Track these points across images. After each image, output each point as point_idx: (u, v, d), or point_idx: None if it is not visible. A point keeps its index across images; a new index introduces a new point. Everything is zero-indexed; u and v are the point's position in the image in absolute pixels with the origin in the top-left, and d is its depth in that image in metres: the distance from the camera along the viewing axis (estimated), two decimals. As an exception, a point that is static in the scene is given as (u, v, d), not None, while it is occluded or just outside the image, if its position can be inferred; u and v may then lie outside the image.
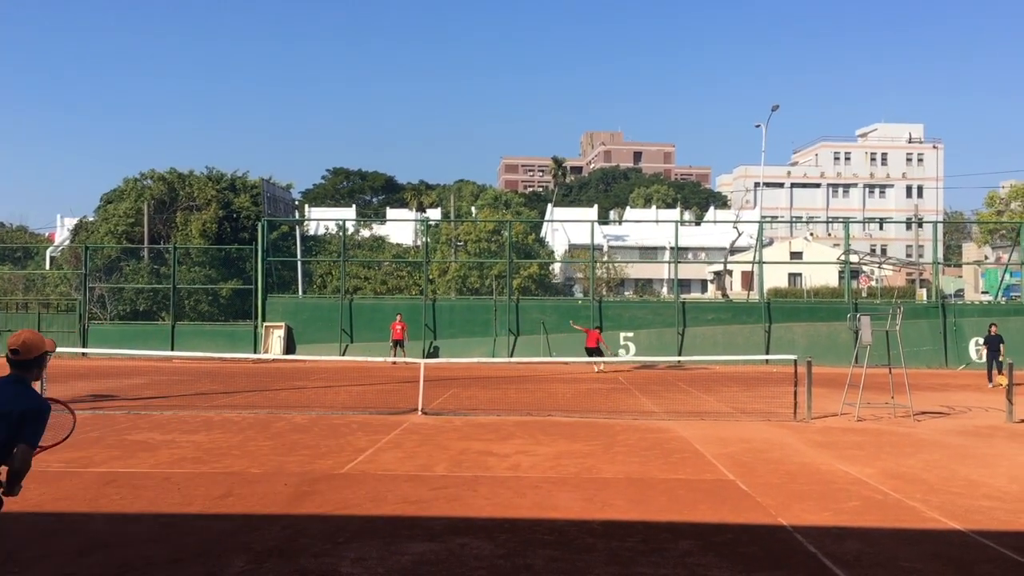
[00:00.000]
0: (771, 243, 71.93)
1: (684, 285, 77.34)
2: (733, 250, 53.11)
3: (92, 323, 36.30)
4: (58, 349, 24.66)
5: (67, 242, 65.72)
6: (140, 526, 7.71)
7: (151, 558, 6.68)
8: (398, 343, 31.44)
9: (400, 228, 67.20)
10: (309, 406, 17.54)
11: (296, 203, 71.06)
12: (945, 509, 8.67)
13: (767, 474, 10.52)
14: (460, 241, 60.81)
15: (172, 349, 33.33)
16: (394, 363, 29.01)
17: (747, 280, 65.22)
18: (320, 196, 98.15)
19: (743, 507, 8.71)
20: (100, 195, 62.12)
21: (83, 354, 32.25)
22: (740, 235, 48.87)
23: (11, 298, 41.77)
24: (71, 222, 71.14)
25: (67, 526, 7.74)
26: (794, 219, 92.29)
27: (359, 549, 6.99)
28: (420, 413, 16.18)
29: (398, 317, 32.07)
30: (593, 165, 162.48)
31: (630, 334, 33.81)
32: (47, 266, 59.99)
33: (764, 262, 36.83)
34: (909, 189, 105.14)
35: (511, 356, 32.53)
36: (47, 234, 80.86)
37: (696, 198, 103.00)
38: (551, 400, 19.27)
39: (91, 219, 61.21)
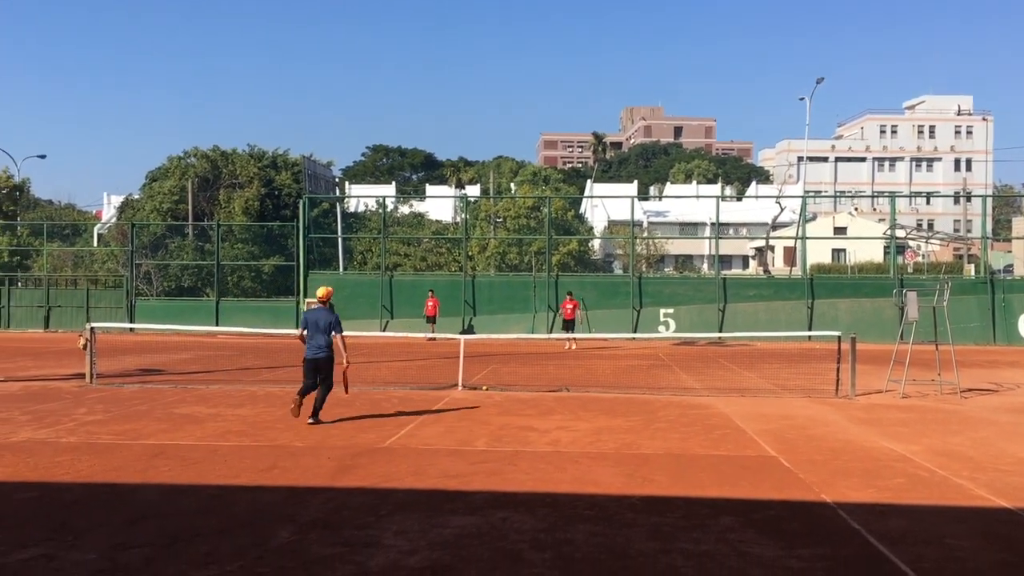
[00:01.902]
0: (815, 218, 71.07)
1: (725, 261, 76.75)
2: (775, 226, 52.52)
3: (139, 299, 36.90)
4: (106, 325, 25.06)
5: (114, 219, 66.83)
6: (188, 497, 7.86)
7: (199, 528, 6.80)
8: (431, 319, 31.58)
9: (440, 205, 67.38)
10: (352, 381, 17.66)
11: (336, 180, 71.54)
12: (993, 487, 8.55)
13: (810, 451, 10.43)
14: (499, 218, 60.80)
15: (216, 325, 33.79)
16: (431, 339, 29.11)
17: (789, 256, 64.50)
18: (360, 173, 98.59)
19: (785, 484, 8.66)
20: (145, 173, 62.92)
21: (131, 330, 32.82)
22: (783, 210, 48.28)
23: (61, 275, 42.58)
24: (117, 200, 72.33)
25: (118, 496, 7.91)
26: (838, 194, 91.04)
27: (401, 522, 7.06)
28: (460, 388, 16.27)
29: (430, 294, 32.20)
30: (633, 140, 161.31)
31: (670, 310, 33.65)
32: (95, 243, 61.01)
33: (807, 237, 36.37)
34: (957, 162, 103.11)
35: (550, 333, 32.53)
36: (94, 212, 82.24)
37: (738, 173, 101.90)
38: (590, 376, 19.27)
39: (137, 197, 62.19)
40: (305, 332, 12.25)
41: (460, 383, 16.50)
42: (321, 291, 12.58)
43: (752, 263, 72.29)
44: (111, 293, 37.65)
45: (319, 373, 12.13)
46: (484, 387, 16.54)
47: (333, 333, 12.08)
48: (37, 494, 7.95)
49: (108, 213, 75.53)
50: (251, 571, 5.79)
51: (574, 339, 28.03)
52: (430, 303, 31.84)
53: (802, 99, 51.92)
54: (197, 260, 43.09)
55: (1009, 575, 5.94)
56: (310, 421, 12.03)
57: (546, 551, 6.33)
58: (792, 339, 30.15)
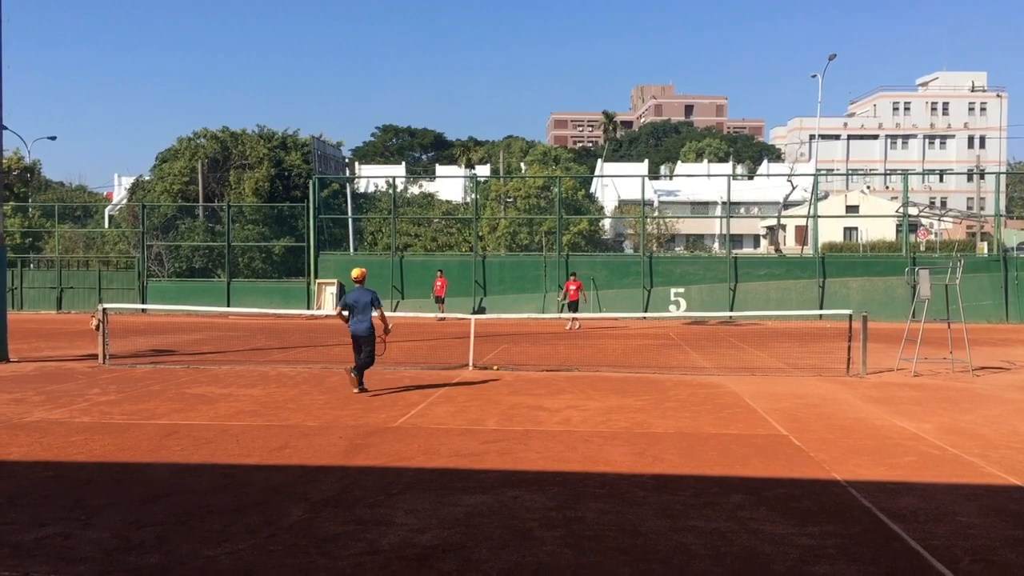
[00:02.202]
0: (826, 197, 70.59)
1: (736, 240, 76.40)
2: (787, 204, 52.25)
3: (150, 280, 37.03)
4: (118, 306, 25.16)
5: (124, 201, 66.97)
6: (201, 476, 7.91)
7: (212, 506, 6.85)
8: (439, 299, 31.56)
9: (449, 185, 67.26)
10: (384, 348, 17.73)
11: (346, 161, 71.48)
12: (1005, 465, 8.53)
13: (820, 429, 10.42)
14: (510, 198, 60.66)
15: (228, 305, 33.91)
16: (442, 319, 29.10)
17: (801, 235, 64.20)
18: (370, 153, 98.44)
19: (796, 462, 8.65)
20: (155, 154, 62.96)
21: (142, 310, 32.97)
22: (794, 189, 48.02)
23: (72, 256, 42.75)
24: (128, 181, 72.40)
25: (131, 475, 7.97)
26: (850, 172, 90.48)
27: (412, 500, 7.09)
28: (471, 368, 16.30)
29: (439, 274, 32.19)
30: (644, 119, 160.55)
31: (681, 290, 33.58)
32: (106, 225, 61.17)
33: (819, 216, 36.19)
34: (971, 139, 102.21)
35: (561, 312, 32.51)
36: (105, 193, 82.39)
37: (749, 152, 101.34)
38: (601, 355, 19.27)
39: (147, 178, 62.26)
40: (345, 311, 13.30)
41: (471, 363, 16.53)
42: (356, 272, 13.71)
43: (763, 242, 72.00)
44: (123, 274, 37.79)
45: (361, 347, 13.28)
46: (495, 367, 16.56)
47: (374, 309, 13.14)
48: (52, 473, 8.01)
49: (119, 195, 75.68)
50: (264, 549, 5.83)
51: (577, 319, 27.81)
52: (438, 283, 31.84)
53: (814, 76, 51.53)
54: (208, 241, 43.14)
55: (1020, 552, 5.93)
56: (355, 390, 13.17)
57: (557, 529, 6.35)
58: (803, 318, 30.06)
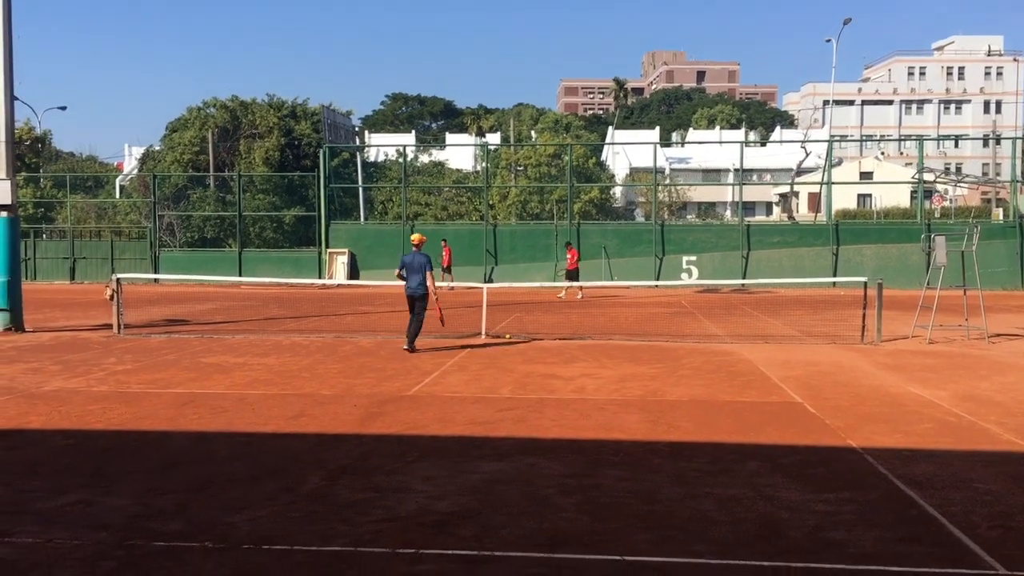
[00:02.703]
0: (840, 163, 70.10)
1: (748, 208, 75.83)
2: (800, 171, 51.87)
3: (163, 250, 37.14)
4: (131, 276, 25.23)
5: (135, 171, 66.98)
6: (219, 444, 7.96)
7: (231, 474, 6.90)
8: (446, 269, 31.46)
9: (460, 153, 66.99)
10: (375, 330, 17.83)
11: (356, 130, 71.25)
12: (1022, 432, 8.50)
13: (835, 397, 10.41)
14: (520, 166, 60.41)
15: (239, 275, 34.01)
16: (451, 288, 29.10)
17: (814, 202, 63.79)
18: (380, 122, 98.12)
19: (811, 429, 8.65)
20: (165, 124, 62.92)
21: (155, 280, 33.09)
22: (808, 155, 47.64)
23: (84, 226, 42.87)
24: (138, 151, 72.34)
25: (150, 444, 8.03)
26: (864, 138, 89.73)
27: (429, 468, 7.13)
28: (484, 336, 16.32)
29: (443, 243, 32.00)
30: (655, 86, 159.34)
31: (693, 258, 33.52)
32: (117, 195, 61.22)
33: (833, 183, 35.96)
34: (987, 104, 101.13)
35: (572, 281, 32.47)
36: (116, 163, 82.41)
37: (761, 118, 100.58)
38: (614, 324, 19.27)
39: (157, 148, 62.19)
40: (403, 272, 14.53)
41: (483, 332, 16.56)
42: (415, 237, 15.29)
43: (776, 209, 71.63)
44: (135, 244, 37.93)
45: (415, 307, 14.34)
46: (507, 335, 16.58)
47: (426, 272, 14.33)
48: (72, 442, 8.08)
49: (129, 165, 75.69)
50: (284, 516, 5.87)
51: (580, 287, 27.72)
52: (445, 252, 31.74)
53: (828, 41, 51.00)
54: (219, 211, 43.16)
55: (1038, 519, 5.92)
56: (405, 348, 14.29)
57: (574, 496, 6.38)
58: (817, 286, 29.95)
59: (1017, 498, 6.35)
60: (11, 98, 16.98)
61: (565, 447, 7.87)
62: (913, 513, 6.03)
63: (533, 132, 75.34)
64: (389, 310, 22.77)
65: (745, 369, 12.59)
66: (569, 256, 28.24)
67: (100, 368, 12.52)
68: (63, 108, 58.72)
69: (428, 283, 14.28)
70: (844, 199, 59.40)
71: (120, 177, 68.82)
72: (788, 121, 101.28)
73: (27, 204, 45.73)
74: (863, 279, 16.71)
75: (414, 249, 14.80)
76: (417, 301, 14.34)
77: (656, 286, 31.65)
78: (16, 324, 17.01)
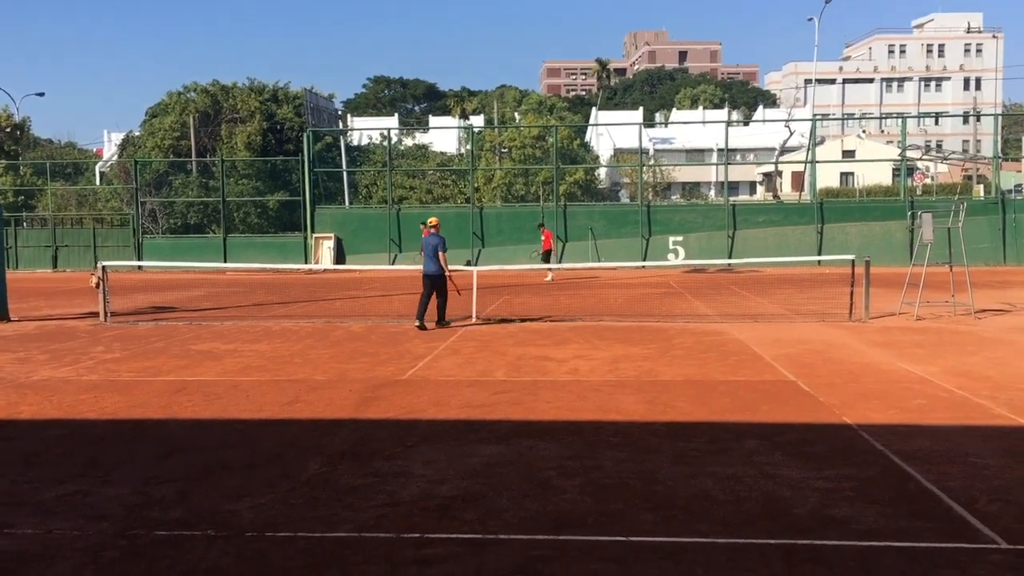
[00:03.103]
0: (823, 142, 70.22)
1: (732, 187, 75.92)
2: (783, 150, 52.00)
3: (146, 237, 36.87)
4: (116, 263, 25.00)
5: (115, 157, 66.36)
6: (214, 431, 7.92)
7: (229, 462, 6.86)
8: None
9: (443, 136, 66.67)
10: (365, 315, 17.77)
11: (339, 113, 70.82)
12: (1014, 406, 8.57)
13: (828, 374, 10.46)
14: (505, 148, 60.24)
15: (224, 261, 33.79)
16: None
17: (798, 181, 63.91)
18: (362, 106, 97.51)
19: (806, 407, 8.69)
20: (145, 109, 62.31)
21: (139, 267, 32.83)
22: (792, 134, 47.75)
23: (66, 214, 42.46)
24: (118, 137, 71.60)
25: (144, 432, 7.97)
26: (846, 116, 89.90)
27: (428, 452, 7.11)
28: (475, 320, 16.30)
29: (421, 227, 31.81)
30: (637, 67, 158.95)
31: (679, 238, 33.53)
32: (97, 182, 60.64)
33: (817, 161, 36.04)
34: (967, 81, 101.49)
35: (559, 262, 32.48)
36: (95, 150, 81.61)
37: (744, 98, 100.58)
38: (603, 305, 19.28)
39: (137, 134, 61.61)
40: (421, 254, 15.77)
41: (474, 315, 16.53)
42: (432, 220, 16.27)
43: (760, 189, 71.79)
44: (117, 232, 37.59)
45: (434, 287, 15.26)
46: (516, 319, 16.56)
47: (440, 252, 15.31)
48: (65, 432, 8.01)
49: (109, 151, 74.94)
50: (285, 502, 5.85)
51: (550, 270, 27.73)
52: (425, 235, 31.51)
53: (811, 19, 50.98)
54: (202, 197, 42.84)
55: (1037, 492, 5.97)
56: (434, 325, 15.20)
57: (575, 478, 6.38)
58: (803, 264, 30.04)
59: (1014, 472, 6.40)
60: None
61: (563, 429, 7.87)
62: (912, 488, 6.07)
63: (517, 114, 75.15)
64: (378, 294, 22.72)
65: (736, 348, 12.63)
66: (544, 237, 28.32)
67: (89, 357, 12.42)
68: (41, 95, 58.11)
69: (441, 263, 15.24)
70: (827, 178, 59.55)
71: (100, 164, 68.19)
72: (770, 101, 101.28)
73: (7, 192, 45.27)
74: (850, 257, 16.76)
75: (431, 232, 15.84)
76: (434, 280, 15.25)
77: (644, 267, 31.66)
78: (1, 313, 16.85)
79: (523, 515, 5.61)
